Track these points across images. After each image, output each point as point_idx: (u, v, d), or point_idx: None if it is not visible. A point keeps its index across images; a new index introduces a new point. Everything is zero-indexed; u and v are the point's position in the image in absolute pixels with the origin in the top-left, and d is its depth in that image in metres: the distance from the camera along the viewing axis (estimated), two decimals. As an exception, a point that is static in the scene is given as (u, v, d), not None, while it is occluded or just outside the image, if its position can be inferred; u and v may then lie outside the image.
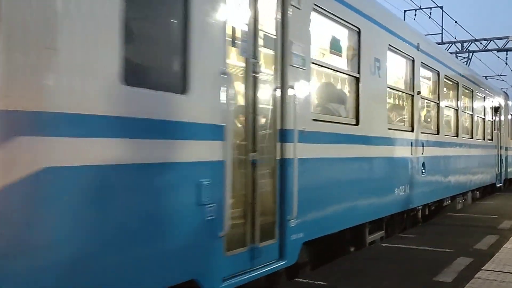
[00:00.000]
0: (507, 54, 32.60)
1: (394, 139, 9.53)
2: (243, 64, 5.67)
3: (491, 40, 31.41)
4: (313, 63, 6.91)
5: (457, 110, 14.32)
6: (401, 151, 9.82)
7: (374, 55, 8.63)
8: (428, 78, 12.55)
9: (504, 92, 23.21)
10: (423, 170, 10.93)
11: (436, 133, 12.27)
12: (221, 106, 5.03)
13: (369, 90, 8.44)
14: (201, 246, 4.86)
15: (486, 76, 30.91)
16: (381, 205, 8.94)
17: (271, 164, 6.09)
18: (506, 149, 22.11)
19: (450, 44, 31.93)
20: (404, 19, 26.74)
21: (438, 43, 27.24)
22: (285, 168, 6.16)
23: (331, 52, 7.78)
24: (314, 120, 6.85)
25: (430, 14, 28.60)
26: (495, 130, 19.51)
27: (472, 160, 15.75)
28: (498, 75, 40.43)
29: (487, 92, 18.41)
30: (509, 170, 23.08)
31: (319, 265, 7.43)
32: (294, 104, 6.20)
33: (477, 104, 16.94)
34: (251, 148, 5.71)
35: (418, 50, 10.78)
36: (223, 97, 5.05)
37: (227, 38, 5.25)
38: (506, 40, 30.84)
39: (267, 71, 6.17)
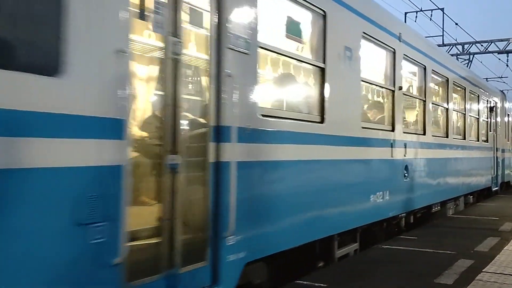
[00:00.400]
0: (508, 56, 31.38)
1: (370, 140, 8.08)
2: (162, 44, 4.36)
3: (492, 42, 30.46)
4: (263, 47, 5.55)
5: (447, 109, 12.70)
6: (379, 153, 8.38)
7: (344, 43, 7.23)
8: (414, 73, 11.05)
9: (500, 91, 21.55)
10: (406, 174, 9.47)
11: (422, 133, 10.68)
12: (118, 94, 3.75)
13: (337, 82, 7.02)
14: (80, 279, 3.52)
15: (487, 78, 29.89)
16: (353, 215, 7.53)
17: (202, 169, 4.73)
18: (503, 151, 20.25)
19: (451, 46, 30.95)
20: (405, 21, 25.98)
21: (439, 45, 26.75)
22: (221, 173, 4.83)
23: (288, 37, 6.43)
24: (264, 116, 5.49)
25: (431, 16, 28.08)
26: (490, 131, 17.75)
27: (465, 163, 14.03)
28: (499, 77, 39.81)
29: (482, 90, 16.74)
30: (506, 173, 21.21)
31: (279, 283, 6.18)
32: (234, 97, 4.90)
33: (471, 103, 15.37)
34: (171, 149, 4.35)
35: (400, 41, 9.31)
36: (121, 82, 3.77)
37: (131, 8, 3.93)
38: (507, 42, 29.82)
39: (198, 55, 4.84)
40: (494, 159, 18.15)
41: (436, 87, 12.67)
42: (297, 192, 6.08)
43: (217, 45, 4.80)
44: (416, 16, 28.32)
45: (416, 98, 10.88)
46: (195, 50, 5.01)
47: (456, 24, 30.63)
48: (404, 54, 9.55)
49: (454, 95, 13.89)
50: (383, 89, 9.23)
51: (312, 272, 6.79)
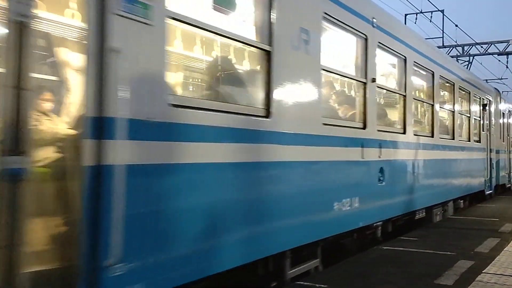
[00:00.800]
0: (507, 58, 30.52)
1: (333, 138, 6.58)
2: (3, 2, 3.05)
3: (491, 44, 29.60)
4: (174, 18, 4.13)
5: (432, 106, 10.91)
6: (345, 154, 6.89)
7: (300, 24, 5.80)
8: (393, 65, 9.34)
9: (494, 89, 19.31)
10: (382, 178, 7.90)
11: (402, 132, 9.02)
12: None
13: (288, 70, 5.60)
14: None
15: (486, 80, 28.65)
16: (310, 227, 6.09)
17: (70, 176, 3.33)
18: (498, 152, 18.11)
19: (451, 48, 30.15)
20: (405, 23, 24.92)
21: (439, 47, 26.01)
22: (103, 181, 3.44)
23: (216, 9, 5.00)
24: (176, 106, 4.08)
25: (431, 18, 27.17)
26: (483, 131, 15.79)
27: (453, 165, 12.30)
28: (498, 79, 38.71)
29: (473, 87, 14.89)
30: (501, 175, 19.05)
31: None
32: (126, 79, 3.56)
33: (461, 100, 13.66)
34: (11, 148, 2.99)
35: (373, 27, 7.75)
36: None
37: None
38: (506, 43, 29.05)
39: (67, 21, 3.47)
40: (488, 161, 16.23)
41: (420, 82, 11.00)
42: (225, 202, 4.65)
43: (99, 9, 3.43)
44: (416, 18, 27.54)
45: (395, 92, 9.23)
46: (63, 14, 3.62)
47: (456, 25, 29.52)
48: (379, 42, 7.99)
49: (442, 91, 12.18)
50: (353, 81, 7.69)
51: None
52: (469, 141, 13.98)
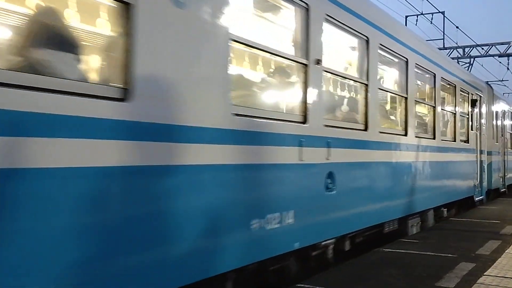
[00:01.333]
0: (508, 60, 30.43)
1: (252, 135, 4.88)
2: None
3: (492, 46, 29.12)
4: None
5: (406, 99, 8.98)
6: (274, 155, 5.19)
7: None
8: (352, 47, 7.50)
9: (486, 83, 17.30)
10: (331, 185, 6.24)
11: (363, 128, 7.31)
12: None
13: (167, 35, 3.90)
14: None
15: (487, 82, 28.26)
16: (212, 256, 4.39)
17: None
18: (490, 153, 16.14)
19: (452, 50, 29.72)
20: (406, 24, 24.78)
21: (440, 48, 25.56)
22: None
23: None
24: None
25: (432, 19, 27.33)
26: (472, 130, 13.87)
27: (433, 168, 10.31)
28: (499, 80, 38.86)
29: (461, 80, 12.88)
30: (494, 179, 16.80)
31: None
32: None
33: (444, 95, 11.75)
34: None
35: None
36: None
37: None
38: (507, 45, 28.55)
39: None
40: (478, 163, 14.34)
41: (389, 70, 9.13)
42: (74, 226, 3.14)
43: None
44: (417, 20, 27.47)
45: (353, 80, 7.38)
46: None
47: (457, 27, 29.43)
48: (327, 15, 6.20)
49: (418, 82, 10.21)
50: (285, 60, 5.82)
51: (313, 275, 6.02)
52: (454, 141, 12.10)
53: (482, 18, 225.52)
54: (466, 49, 29.72)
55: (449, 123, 12.19)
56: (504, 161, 18.85)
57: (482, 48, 29.26)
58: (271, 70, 6.09)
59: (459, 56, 29.68)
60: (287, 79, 6.00)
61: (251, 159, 4.83)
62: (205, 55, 4.29)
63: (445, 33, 28.24)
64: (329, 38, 6.25)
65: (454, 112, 12.24)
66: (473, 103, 13.98)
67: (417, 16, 27.31)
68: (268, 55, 5.62)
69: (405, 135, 8.90)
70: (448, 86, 11.95)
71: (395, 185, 8.39)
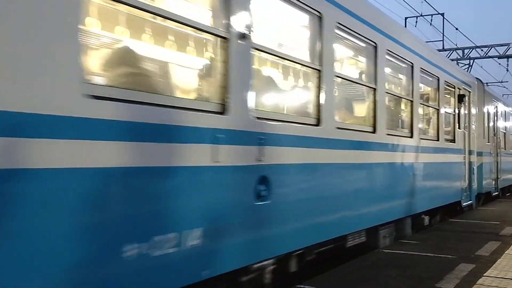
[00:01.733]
0: (508, 61, 30.32)
1: (130, 126, 3.50)
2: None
3: (492, 47, 29.02)
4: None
5: (374, 90, 7.58)
6: (173, 155, 3.86)
7: None
8: (305, 26, 6.15)
9: (476, 78, 15.49)
10: (264, 192, 4.87)
11: (315, 123, 5.90)
12: None
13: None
14: None
15: (487, 83, 28.19)
16: None
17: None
18: (480, 154, 14.69)
19: (451, 51, 29.61)
20: (405, 26, 24.68)
21: (440, 50, 25.32)
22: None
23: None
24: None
25: (431, 21, 27.18)
26: (459, 128, 12.40)
27: (410, 170, 8.95)
28: (499, 82, 38.59)
29: (446, 73, 11.34)
30: (485, 182, 15.25)
31: None
32: None
33: (425, 88, 10.47)
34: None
35: None
36: None
37: None
38: (507, 47, 28.55)
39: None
40: (467, 165, 12.96)
41: (354, 56, 7.90)
42: None
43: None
44: (416, 21, 27.41)
45: (304, 65, 5.97)
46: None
47: (456, 29, 29.25)
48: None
49: (391, 72, 8.85)
50: (203, 34, 4.50)
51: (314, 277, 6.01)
52: (437, 140, 10.72)
53: (482, 19, 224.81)
54: (466, 51, 29.66)
55: (431, 120, 10.89)
56: (497, 162, 17.23)
57: (482, 50, 29.21)
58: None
59: (459, 57, 29.58)
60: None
61: (149, 160, 3.66)
62: None
63: (444, 34, 28.12)
64: (260, 15, 5.19)
65: (437, 108, 10.83)
66: (461, 99, 12.44)
67: (417, 18, 27.30)
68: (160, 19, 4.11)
69: (374, 132, 7.57)
70: (430, 78, 10.61)
71: (359, 190, 7.11)
